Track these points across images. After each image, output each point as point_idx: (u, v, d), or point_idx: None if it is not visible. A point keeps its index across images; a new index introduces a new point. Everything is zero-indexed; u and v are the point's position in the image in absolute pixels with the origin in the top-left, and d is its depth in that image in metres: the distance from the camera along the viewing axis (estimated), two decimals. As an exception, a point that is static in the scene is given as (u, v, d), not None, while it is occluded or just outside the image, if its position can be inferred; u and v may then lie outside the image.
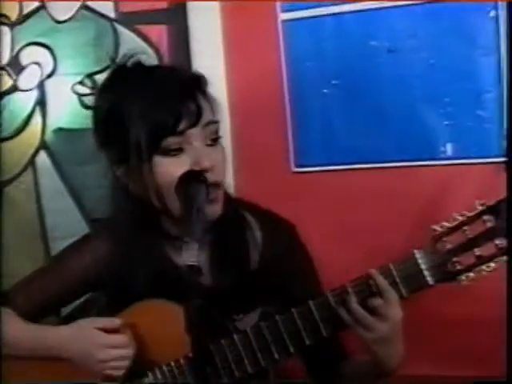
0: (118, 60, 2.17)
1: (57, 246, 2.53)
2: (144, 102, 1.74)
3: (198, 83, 1.79)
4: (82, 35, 2.66)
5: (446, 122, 2.39)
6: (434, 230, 1.69)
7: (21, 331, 1.86)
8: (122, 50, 2.55)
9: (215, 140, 1.79)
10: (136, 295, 1.83)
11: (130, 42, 2.56)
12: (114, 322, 1.79)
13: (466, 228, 1.67)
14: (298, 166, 2.53)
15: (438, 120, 2.40)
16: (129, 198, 1.83)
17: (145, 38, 2.59)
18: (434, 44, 2.37)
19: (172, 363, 1.80)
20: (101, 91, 1.87)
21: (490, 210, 1.66)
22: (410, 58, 2.40)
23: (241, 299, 1.85)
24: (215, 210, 1.76)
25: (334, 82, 2.47)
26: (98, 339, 1.78)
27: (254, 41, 2.50)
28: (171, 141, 1.73)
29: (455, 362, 2.34)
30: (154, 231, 1.86)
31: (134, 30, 2.60)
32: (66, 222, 2.68)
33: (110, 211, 1.94)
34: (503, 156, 2.14)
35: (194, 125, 1.74)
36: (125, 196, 1.84)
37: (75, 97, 2.72)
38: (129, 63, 1.84)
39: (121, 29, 2.61)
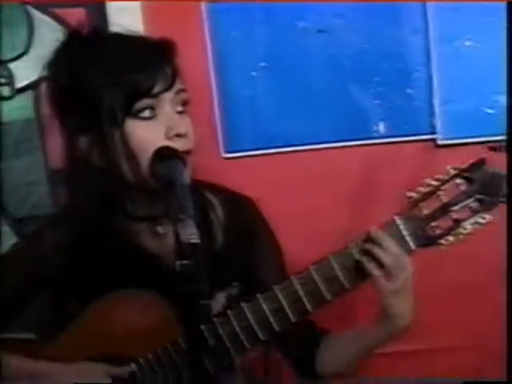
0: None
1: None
2: (116, 64, 1.68)
3: (171, 49, 1.75)
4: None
5: (377, 102, 2.40)
6: (410, 197, 1.68)
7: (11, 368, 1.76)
8: (38, 35, 2.43)
9: (184, 108, 1.75)
10: (99, 284, 1.75)
11: (45, 26, 2.43)
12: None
13: (440, 193, 1.67)
14: (228, 151, 2.48)
15: (369, 99, 2.41)
16: (92, 172, 1.74)
17: (62, 22, 2.45)
18: (362, 24, 2.38)
19: (158, 350, 1.74)
20: (56, 60, 1.77)
21: (462, 173, 1.67)
22: (340, 38, 2.40)
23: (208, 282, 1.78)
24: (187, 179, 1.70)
25: (262, 64, 2.44)
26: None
27: (178, 26, 2.43)
28: (145, 103, 1.68)
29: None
30: (116, 210, 1.77)
31: (49, 14, 2.45)
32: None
33: (65, 196, 1.83)
34: (477, 136, 2.21)
35: (168, 89, 1.69)
36: (87, 171, 1.74)
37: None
38: (83, 31, 1.77)
39: (35, 13, 2.46)
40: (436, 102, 2.36)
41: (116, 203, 1.78)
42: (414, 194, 1.70)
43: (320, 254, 1.78)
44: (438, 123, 2.36)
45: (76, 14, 2.44)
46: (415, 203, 1.69)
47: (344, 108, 2.42)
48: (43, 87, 2.35)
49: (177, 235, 1.42)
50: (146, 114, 1.70)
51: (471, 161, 1.69)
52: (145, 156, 1.68)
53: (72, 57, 1.75)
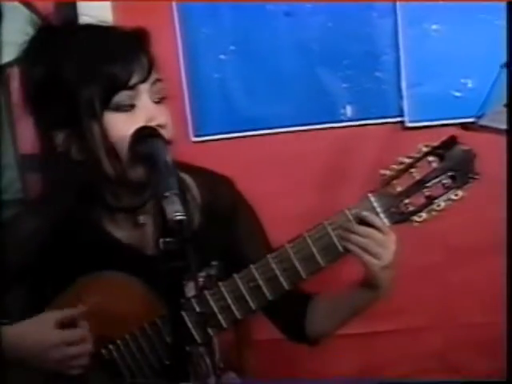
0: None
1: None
2: (92, 56, 1.66)
3: (145, 39, 1.73)
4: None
5: (345, 85, 2.42)
6: (383, 174, 1.70)
7: None
8: (6, 20, 2.40)
9: (161, 98, 1.73)
10: (74, 272, 1.74)
11: (13, 11, 2.41)
12: (70, 313, 1.70)
13: (412, 170, 1.69)
14: (196, 135, 2.48)
15: (337, 83, 2.43)
16: (70, 165, 1.72)
17: (30, 8, 2.43)
18: (330, 7, 2.40)
19: (136, 332, 1.74)
20: (29, 53, 1.74)
21: (435, 150, 1.69)
22: (308, 21, 2.41)
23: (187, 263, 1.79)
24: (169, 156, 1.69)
25: (231, 47, 2.44)
26: (52, 337, 1.67)
27: (147, 11, 2.41)
28: (124, 95, 1.66)
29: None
30: (95, 202, 1.77)
31: (18, -1, 2.43)
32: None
33: (42, 187, 1.83)
34: (445, 119, 2.24)
35: (145, 79, 1.68)
36: (65, 164, 1.72)
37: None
38: (53, 23, 1.76)
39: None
40: (404, 84, 2.38)
41: (95, 194, 1.77)
42: (387, 172, 1.71)
43: (290, 235, 1.78)
44: (406, 106, 2.39)
45: (46, 3, 2.43)
46: (388, 181, 1.70)
47: (312, 91, 2.44)
48: (11, 72, 2.37)
49: (162, 213, 1.40)
50: (125, 106, 1.68)
51: (443, 138, 1.70)
52: (124, 150, 1.66)
53: (46, 49, 1.71)
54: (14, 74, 2.36)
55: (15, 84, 2.31)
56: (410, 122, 2.39)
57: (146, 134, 1.63)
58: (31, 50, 1.73)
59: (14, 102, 2.43)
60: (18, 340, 1.67)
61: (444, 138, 1.71)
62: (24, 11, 2.44)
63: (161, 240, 1.42)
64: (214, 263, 1.84)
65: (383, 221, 1.69)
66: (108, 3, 2.42)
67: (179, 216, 1.40)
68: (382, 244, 1.68)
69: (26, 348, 1.68)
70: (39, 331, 1.68)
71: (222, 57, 2.45)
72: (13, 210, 2.30)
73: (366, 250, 1.68)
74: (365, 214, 1.69)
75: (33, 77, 1.70)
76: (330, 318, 1.87)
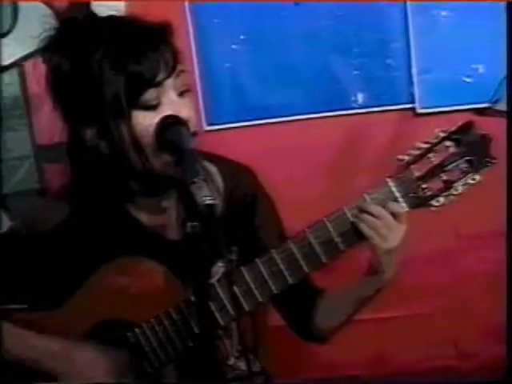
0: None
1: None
2: (116, 53, 1.66)
3: (166, 32, 1.73)
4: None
5: (356, 72, 2.44)
6: (401, 159, 1.72)
7: (9, 336, 1.80)
8: (22, 13, 2.43)
9: (185, 90, 1.75)
10: (101, 258, 1.78)
11: (29, 4, 2.42)
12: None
13: (430, 155, 1.72)
14: (209, 124, 2.50)
15: (348, 70, 2.45)
16: (98, 158, 1.75)
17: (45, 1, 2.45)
18: (340, -5, 2.41)
19: (161, 315, 1.77)
20: (53, 46, 1.74)
21: (451, 135, 1.72)
22: (318, 10, 2.42)
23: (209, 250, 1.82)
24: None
25: (242, 37, 2.46)
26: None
27: (159, 1, 2.43)
28: (150, 94, 1.68)
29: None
30: (120, 188, 1.80)
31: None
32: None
33: (68, 176, 1.85)
34: (455, 104, 2.26)
35: (170, 75, 1.69)
36: (94, 157, 1.76)
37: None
38: (76, 17, 1.77)
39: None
40: (414, 71, 2.40)
41: (121, 182, 1.80)
42: (405, 157, 1.73)
43: (305, 221, 1.81)
44: (417, 92, 2.41)
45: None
46: (407, 166, 1.73)
47: (323, 79, 2.46)
48: (29, 64, 2.39)
49: (189, 198, 1.44)
50: (151, 103, 1.70)
51: (459, 123, 1.72)
52: (151, 143, 1.69)
53: (72, 42, 1.72)
54: (31, 67, 2.40)
55: (31, 76, 2.36)
56: (421, 108, 2.41)
57: (171, 123, 1.65)
58: (57, 42, 1.73)
59: (30, 94, 2.44)
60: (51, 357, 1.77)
61: (460, 122, 1.72)
62: (41, 4, 2.45)
63: (189, 224, 1.45)
64: (233, 248, 1.87)
65: (401, 205, 1.71)
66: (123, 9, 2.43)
67: (209, 200, 1.42)
68: (392, 228, 1.70)
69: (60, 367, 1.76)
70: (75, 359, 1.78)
71: (233, 46, 2.47)
72: (30, 200, 2.36)
73: (374, 229, 1.70)
74: (366, 199, 1.70)
75: (61, 69, 1.71)
76: (335, 312, 1.90)
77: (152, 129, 1.67)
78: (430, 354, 2.52)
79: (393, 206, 1.69)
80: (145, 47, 1.67)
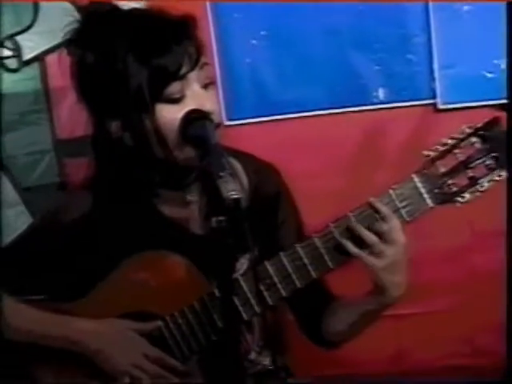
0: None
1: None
2: (139, 46, 1.66)
3: (190, 25, 1.73)
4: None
5: (377, 68, 2.43)
6: (427, 155, 1.71)
7: (34, 318, 1.79)
8: (43, 8, 2.44)
9: (209, 82, 1.75)
10: (125, 250, 1.78)
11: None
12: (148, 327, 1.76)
13: (456, 151, 1.71)
14: (230, 119, 2.49)
15: (369, 66, 2.44)
16: (123, 151, 1.76)
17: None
18: (361, -10, 2.40)
19: (185, 309, 1.77)
20: (78, 39, 1.74)
21: (477, 132, 1.71)
22: (338, 5, 2.42)
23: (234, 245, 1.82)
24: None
25: (262, 32, 2.45)
26: (142, 348, 1.76)
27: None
28: (174, 87, 1.68)
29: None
30: (145, 181, 1.80)
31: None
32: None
33: (91, 169, 1.84)
34: (477, 100, 2.24)
35: (193, 68, 1.69)
36: (119, 149, 1.76)
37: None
38: (100, 10, 1.75)
39: (38, -14, 2.45)
40: (436, 66, 2.39)
41: (145, 174, 1.80)
42: (430, 153, 1.72)
43: (325, 216, 1.80)
44: (438, 88, 2.40)
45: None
46: (432, 161, 1.72)
47: (344, 74, 2.46)
48: (50, 58, 2.39)
49: (214, 192, 1.43)
50: (175, 96, 1.70)
51: (486, 120, 1.71)
52: (175, 137, 1.69)
53: (96, 35, 1.72)
54: (52, 61, 2.40)
55: (53, 71, 2.36)
56: (442, 103, 2.40)
57: (196, 117, 1.66)
58: (81, 35, 1.73)
59: (51, 88, 2.45)
60: (90, 336, 1.77)
61: (486, 119, 1.72)
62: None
63: (213, 219, 1.44)
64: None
65: (427, 202, 1.70)
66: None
67: (235, 195, 1.42)
68: (381, 243, 1.68)
69: (101, 345, 1.76)
70: (122, 335, 1.77)
71: (253, 42, 2.46)
72: (51, 194, 2.37)
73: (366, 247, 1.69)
74: (373, 202, 1.70)
75: (86, 62, 1.71)
76: (343, 321, 1.88)
77: (176, 122, 1.67)
78: (446, 352, 2.52)
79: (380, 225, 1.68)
80: (168, 40, 1.67)
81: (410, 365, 2.55)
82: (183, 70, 1.67)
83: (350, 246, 1.70)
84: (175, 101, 1.68)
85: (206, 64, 1.73)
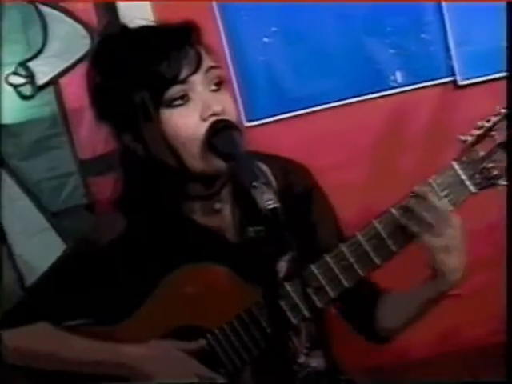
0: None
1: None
2: (139, 57, 1.70)
3: (192, 31, 1.74)
4: (7, 22, 2.46)
5: (392, 51, 2.40)
6: (464, 141, 1.69)
7: (82, 346, 1.79)
8: (51, 31, 2.44)
9: (219, 84, 1.74)
10: (166, 264, 1.76)
11: (57, 21, 2.44)
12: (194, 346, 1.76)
13: (493, 133, 1.68)
14: (249, 120, 2.47)
15: (384, 50, 2.41)
16: (139, 163, 1.76)
17: (72, 16, 2.44)
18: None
19: (233, 320, 1.76)
20: (93, 64, 1.79)
21: (512, 110, 1.68)
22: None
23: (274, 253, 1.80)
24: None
25: (273, 29, 2.43)
26: (193, 368, 1.76)
27: (186, 3, 2.40)
28: (175, 89, 1.68)
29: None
30: (174, 192, 1.79)
31: (59, 9, 2.45)
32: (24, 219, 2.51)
33: (119, 190, 1.84)
34: (496, 72, 2.22)
35: (195, 71, 1.69)
36: (135, 162, 1.76)
37: (11, 89, 2.51)
38: (112, 31, 1.80)
39: (46, 9, 2.46)
40: (451, 43, 2.35)
41: (172, 185, 1.79)
42: (468, 138, 1.70)
43: (353, 208, 1.79)
44: (456, 64, 2.37)
45: (86, 9, 2.44)
46: (470, 146, 1.69)
47: (359, 62, 2.43)
48: (64, 81, 2.38)
49: (250, 202, 1.43)
50: (179, 100, 1.70)
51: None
52: (187, 142, 1.69)
53: (105, 57, 1.77)
54: (66, 83, 2.39)
55: (67, 92, 2.35)
56: (462, 79, 2.36)
57: (221, 127, 1.65)
58: (94, 57, 1.79)
59: (68, 110, 2.44)
60: (141, 360, 1.77)
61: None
62: (68, 20, 2.43)
63: (250, 228, 1.43)
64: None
65: (469, 188, 1.68)
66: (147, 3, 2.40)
67: (272, 204, 1.41)
68: (439, 223, 1.65)
69: (153, 368, 1.76)
70: (172, 356, 1.77)
71: (265, 39, 2.43)
72: (79, 216, 2.36)
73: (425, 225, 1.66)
74: (418, 192, 1.67)
75: (94, 86, 1.76)
76: (398, 313, 1.86)
77: (184, 126, 1.68)
78: (491, 329, 2.48)
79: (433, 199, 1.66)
80: (168, 48, 1.69)
81: (455, 344, 2.52)
82: (183, 74, 1.68)
83: (413, 226, 1.66)
84: (179, 104, 1.69)
85: (212, 67, 1.73)
